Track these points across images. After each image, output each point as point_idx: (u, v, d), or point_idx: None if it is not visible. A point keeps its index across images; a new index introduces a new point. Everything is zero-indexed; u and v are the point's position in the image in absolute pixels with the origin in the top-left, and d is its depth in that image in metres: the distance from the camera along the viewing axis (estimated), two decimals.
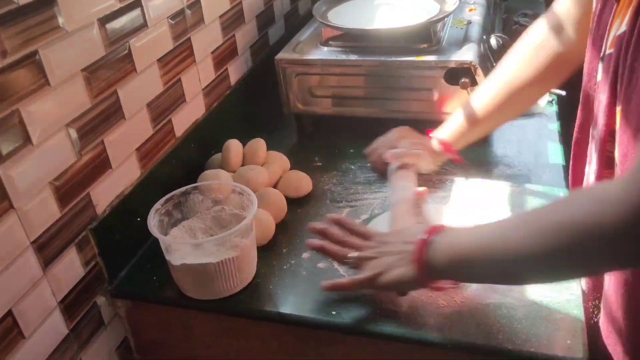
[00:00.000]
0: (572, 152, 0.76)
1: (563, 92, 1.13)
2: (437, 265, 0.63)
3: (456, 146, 0.90)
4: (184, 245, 0.74)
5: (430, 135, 0.92)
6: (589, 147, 0.68)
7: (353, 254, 0.70)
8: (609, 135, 0.61)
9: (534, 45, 0.82)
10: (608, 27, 0.59)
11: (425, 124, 1.04)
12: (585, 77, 0.70)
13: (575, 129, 0.75)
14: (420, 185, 0.89)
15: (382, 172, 0.94)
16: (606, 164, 0.63)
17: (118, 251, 0.80)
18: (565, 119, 0.91)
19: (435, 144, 0.90)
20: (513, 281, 0.65)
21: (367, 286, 0.68)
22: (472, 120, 0.87)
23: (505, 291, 0.71)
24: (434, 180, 0.93)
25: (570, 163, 0.77)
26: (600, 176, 0.64)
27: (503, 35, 1.08)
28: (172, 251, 0.73)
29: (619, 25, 0.56)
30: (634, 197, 0.46)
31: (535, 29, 0.82)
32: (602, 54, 0.61)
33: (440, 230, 0.64)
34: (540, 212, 0.57)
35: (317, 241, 0.73)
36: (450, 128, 0.90)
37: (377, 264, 0.67)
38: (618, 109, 0.58)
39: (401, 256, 0.65)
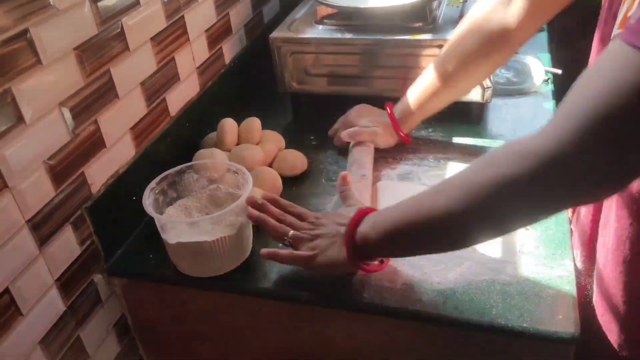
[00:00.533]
0: None
1: (559, 71, 1.13)
2: (368, 245, 0.64)
3: (405, 127, 0.92)
4: (180, 224, 0.74)
5: (388, 110, 0.93)
6: None
7: (290, 232, 0.70)
8: None
9: (476, 21, 0.82)
10: (621, 5, 0.59)
11: None
12: (593, 56, 0.69)
13: None
14: (382, 160, 0.92)
15: (343, 150, 0.96)
16: None
17: (114, 230, 0.80)
18: (561, 97, 0.91)
19: (387, 118, 0.92)
20: (440, 245, 0.63)
21: (302, 265, 0.70)
22: (418, 101, 0.89)
23: (498, 268, 0.72)
24: (407, 157, 0.95)
25: None
26: None
27: None
28: (168, 230, 0.73)
29: (630, 5, 0.55)
30: (550, 145, 0.47)
31: (481, 4, 0.82)
32: (612, 34, 0.61)
33: (369, 212, 0.67)
34: (464, 172, 0.57)
35: (255, 212, 0.73)
36: (400, 108, 0.92)
37: (312, 245, 0.68)
38: None
39: (334, 239, 0.67)
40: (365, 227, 0.65)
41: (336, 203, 0.85)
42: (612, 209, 0.65)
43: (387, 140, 0.94)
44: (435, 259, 0.73)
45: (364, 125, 0.93)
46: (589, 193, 0.50)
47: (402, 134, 0.93)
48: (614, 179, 0.47)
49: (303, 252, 0.69)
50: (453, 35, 0.86)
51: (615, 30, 0.59)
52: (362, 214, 0.67)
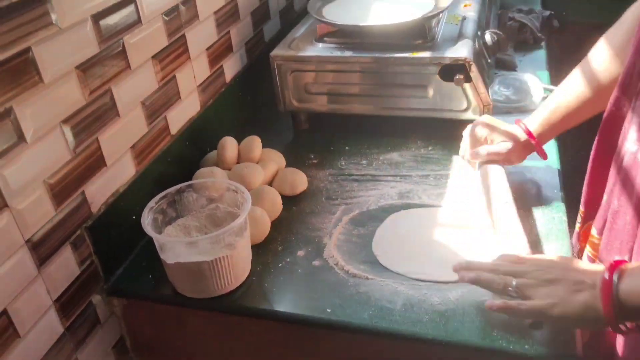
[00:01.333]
0: (588, 174, 0.75)
1: None
2: (629, 306, 0.55)
3: (543, 139, 0.86)
4: (178, 244, 0.74)
5: (522, 125, 0.86)
6: (626, 119, 0.66)
7: (513, 281, 0.62)
8: None
9: (600, 66, 0.78)
10: None
11: (420, 121, 1.05)
12: (612, 101, 0.69)
13: (594, 154, 0.74)
14: None
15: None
16: None
17: (113, 249, 0.80)
18: None
19: (522, 134, 0.86)
20: None
21: (537, 316, 0.62)
22: (564, 112, 0.82)
23: None
24: (406, 175, 0.94)
25: (588, 176, 0.76)
26: None
27: (498, 31, 1.08)
28: (166, 249, 0.72)
29: None
30: None
31: (602, 47, 0.78)
32: None
33: (620, 267, 0.58)
34: None
35: (468, 273, 0.66)
36: (540, 119, 0.85)
37: (548, 292, 0.60)
38: None
39: (579, 287, 0.59)
40: (628, 284, 0.56)
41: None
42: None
43: (520, 155, 0.87)
44: (435, 278, 0.73)
45: (496, 140, 0.87)
46: None
47: (542, 152, 0.87)
48: None
49: (538, 301, 0.60)
50: (601, 42, 0.79)
51: None
52: (617, 265, 0.58)
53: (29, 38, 0.63)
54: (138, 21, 0.81)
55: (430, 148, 1.02)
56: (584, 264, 0.65)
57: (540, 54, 1.29)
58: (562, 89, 0.84)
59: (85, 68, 0.72)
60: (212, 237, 0.72)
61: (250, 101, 1.17)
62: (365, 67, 1.01)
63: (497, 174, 0.85)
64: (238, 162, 0.96)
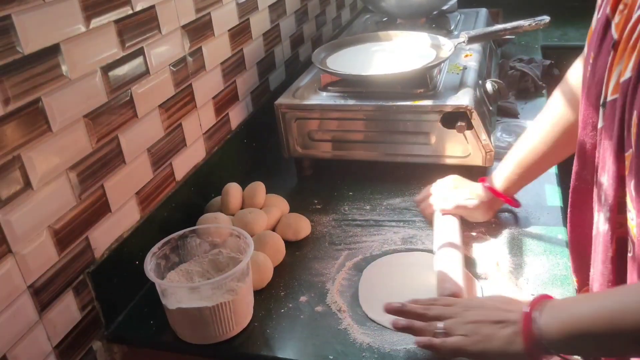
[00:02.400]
0: (570, 200, 0.76)
1: None
2: (548, 339, 0.57)
3: (509, 193, 0.90)
4: (180, 289, 0.74)
5: (484, 184, 0.91)
6: (594, 194, 0.67)
7: (440, 324, 0.64)
8: (620, 181, 0.60)
9: (552, 120, 0.83)
10: (607, 74, 0.60)
11: (423, 167, 1.05)
12: (580, 125, 0.70)
13: (573, 177, 0.74)
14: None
15: (431, 220, 0.93)
16: (619, 210, 0.61)
17: (115, 295, 0.80)
18: (563, 161, 0.92)
19: (487, 195, 0.90)
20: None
21: (459, 352, 0.63)
22: (523, 165, 0.87)
23: None
24: (410, 221, 0.94)
25: (569, 210, 0.77)
26: (614, 222, 0.62)
27: (498, 80, 1.10)
28: (168, 295, 0.72)
29: (622, 71, 0.56)
30: None
31: (553, 103, 0.83)
32: (602, 100, 0.61)
33: (542, 302, 0.60)
34: None
35: (402, 320, 0.68)
36: (502, 175, 0.89)
37: (473, 330, 0.62)
38: (627, 154, 0.57)
39: (502, 325, 0.61)
40: (545, 319, 0.58)
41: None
42: None
43: (485, 214, 0.91)
44: None
45: (459, 196, 0.90)
46: None
47: (510, 199, 0.90)
48: None
49: (461, 339, 0.62)
50: (554, 97, 0.84)
51: (608, 97, 0.60)
52: (539, 300, 0.60)
53: (40, 89, 0.65)
54: (146, 72, 0.84)
55: None
56: (513, 301, 0.65)
57: (542, 102, 1.30)
58: (523, 140, 0.88)
59: (93, 117, 0.74)
60: (213, 282, 0.72)
61: (255, 148, 1.19)
62: (368, 115, 1.03)
63: (450, 220, 0.89)
64: (242, 208, 0.97)
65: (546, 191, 0.99)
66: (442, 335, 0.64)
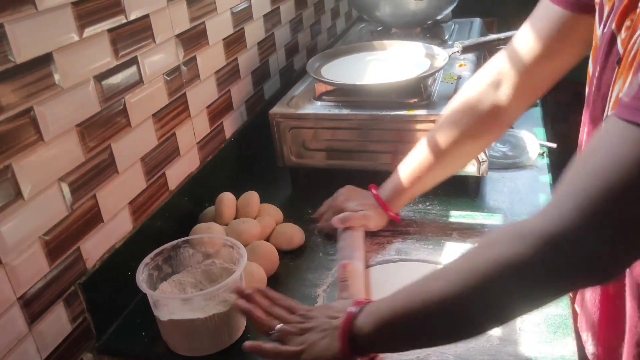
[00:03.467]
0: None
1: (554, 145, 1.15)
2: (363, 338, 0.60)
3: (395, 206, 0.92)
4: (173, 300, 0.73)
5: (373, 192, 0.93)
6: None
7: (278, 326, 0.66)
8: None
9: (468, 102, 0.84)
10: (611, 89, 0.60)
11: None
12: (585, 138, 0.70)
13: None
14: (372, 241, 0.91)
15: (331, 236, 0.94)
16: None
17: (107, 306, 0.79)
18: (557, 171, 0.92)
19: (374, 201, 0.92)
20: (439, 335, 0.58)
21: None
22: (410, 179, 0.89)
23: (498, 347, 0.70)
24: (401, 236, 0.93)
25: None
26: None
27: None
28: (160, 306, 0.72)
29: (621, 87, 0.57)
30: (548, 225, 0.46)
31: (472, 85, 0.84)
32: (605, 115, 0.62)
33: (365, 303, 0.63)
34: (462, 255, 0.55)
35: (244, 303, 0.69)
36: (390, 187, 0.92)
37: (301, 340, 0.64)
38: None
39: (326, 332, 0.63)
40: (361, 319, 0.61)
41: (330, 292, 0.82)
42: (627, 301, 0.63)
43: (378, 222, 0.92)
44: None
45: (352, 208, 0.91)
46: (591, 275, 0.48)
47: (391, 214, 0.92)
48: (616, 259, 0.46)
49: (289, 348, 0.64)
50: (445, 113, 0.87)
51: (609, 112, 0.60)
52: (359, 305, 0.63)
53: (32, 98, 0.65)
54: (140, 81, 0.84)
55: (427, 203, 1.02)
56: (343, 306, 0.65)
57: (536, 112, 1.31)
58: (413, 154, 0.90)
59: (85, 126, 0.73)
60: (206, 293, 0.71)
61: (249, 157, 1.19)
62: (363, 124, 1.03)
63: (355, 236, 0.89)
64: (236, 217, 0.97)
65: (540, 201, 0.99)
66: (274, 335, 0.66)
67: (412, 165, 0.89)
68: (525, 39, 0.75)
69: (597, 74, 0.64)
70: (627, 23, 0.58)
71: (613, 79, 0.59)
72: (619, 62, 0.58)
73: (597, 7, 0.62)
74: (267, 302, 0.70)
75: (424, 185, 0.90)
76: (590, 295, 0.72)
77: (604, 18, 0.60)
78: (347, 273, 0.77)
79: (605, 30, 0.60)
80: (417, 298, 0.56)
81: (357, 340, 0.60)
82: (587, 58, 0.72)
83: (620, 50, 0.58)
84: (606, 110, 0.61)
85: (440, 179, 0.90)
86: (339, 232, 0.91)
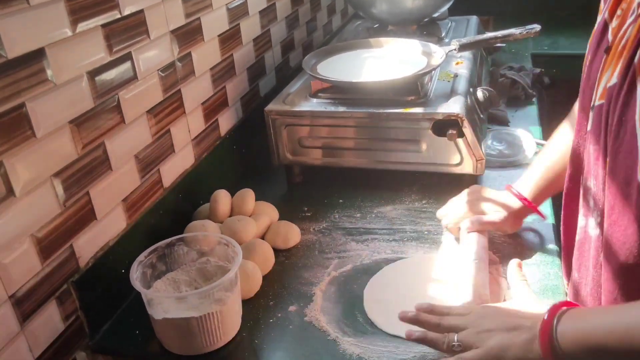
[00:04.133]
0: (563, 203, 0.75)
1: None
2: (565, 350, 0.55)
3: (538, 202, 0.86)
4: (166, 299, 0.72)
5: (512, 190, 0.87)
6: (580, 198, 0.67)
7: (455, 336, 0.62)
8: (604, 186, 0.60)
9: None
10: (598, 78, 0.60)
11: (414, 175, 1.05)
12: (576, 127, 0.70)
13: (566, 179, 0.74)
14: None
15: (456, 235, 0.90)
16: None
17: (100, 304, 0.78)
18: None
19: (515, 202, 0.86)
20: None
21: None
22: (551, 174, 0.84)
23: None
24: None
25: (562, 213, 0.76)
26: (602, 227, 0.61)
27: (489, 88, 1.10)
28: (154, 305, 0.71)
29: (610, 77, 0.57)
30: None
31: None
32: (592, 104, 0.61)
33: (562, 309, 0.58)
34: None
35: (417, 332, 0.65)
36: (531, 184, 0.86)
37: (488, 340, 0.60)
38: (607, 160, 0.58)
39: (517, 333, 0.59)
40: (564, 327, 0.56)
41: (326, 291, 0.81)
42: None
43: (514, 225, 0.88)
44: None
45: (486, 212, 0.87)
46: None
47: (541, 213, 0.87)
48: None
49: (479, 351, 0.59)
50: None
51: (596, 102, 0.60)
52: (557, 310, 0.58)
53: (24, 94, 0.64)
54: (134, 77, 0.83)
55: (424, 202, 1.02)
56: (527, 308, 0.64)
57: (532, 110, 1.31)
58: (550, 147, 0.85)
59: (79, 122, 0.72)
60: (201, 292, 0.70)
61: (245, 154, 1.18)
62: (359, 122, 1.02)
63: (480, 241, 0.85)
64: (231, 215, 0.96)
65: None
66: (458, 349, 0.62)
67: (556, 156, 0.84)
68: None
69: (587, 62, 0.64)
70: (618, 12, 0.58)
71: (600, 68, 0.59)
72: (607, 50, 0.58)
73: None
74: (434, 317, 0.66)
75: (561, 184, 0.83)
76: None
77: (601, 7, 0.60)
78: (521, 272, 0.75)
79: (599, 20, 0.60)
80: (637, 330, 0.51)
81: (558, 352, 0.56)
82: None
83: (610, 39, 0.57)
84: (593, 99, 0.61)
85: None
86: (461, 235, 0.87)
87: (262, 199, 1.00)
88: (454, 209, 0.92)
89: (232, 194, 0.98)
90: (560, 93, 1.54)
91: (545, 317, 0.58)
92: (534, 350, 0.57)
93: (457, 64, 1.19)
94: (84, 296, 0.74)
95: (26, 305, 0.66)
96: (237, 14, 1.13)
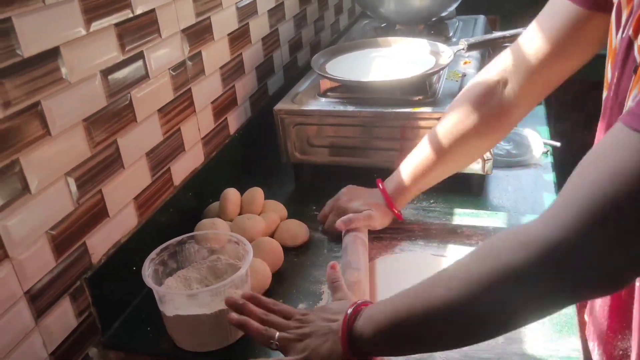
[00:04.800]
0: None
1: (558, 144, 1.15)
2: (364, 341, 0.59)
3: (398, 203, 0.91)
4: (178, 296, 0.73)
5: (380, 186, 0.92)
6: None
7: (276, 335, 0.65)
8: None
9: (473, 100, 0.82)
10: (627, 97, 0.58)
11: None
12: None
13: None
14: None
15: (337, 236, 0.92)
16: None
17: (112, 301, 0.79)
18: (561, 170, 0.92)
19: (381, 197, 0.91)
20: (440, 342, 0.58)
21: None
22: (413, 176, 0.88)
23: (503, 345, 0.70)
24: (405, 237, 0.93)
25: None
26: None
27: None
28: (166, 302, 0.72)
29: (637, 95, 0.55)
30: (551, 233, 0.46)
31: (477, 83, 0.83)
32: None
33: (364, 305, 0.63)
34: (463, 261, 0.54)
35: (236, 316, 0.68)
36: (394, 184, 0.91)
37: (302, 347, 0.63)
38: None
39: (326, 337, 0.62)
40: (361, 322, 0.61)
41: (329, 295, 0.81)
42: (635, 310, 0.62)
43: (382, 221, 0.91)
44: None
45: (356, 209, 0.91)
46: (593, 284, 0.47)
47: (396, 212, 0.91)
48: (621, 268, 0.45)
49: (293, 357, 0.63)
50: (449, 111, 0.86)
51: None
52: (358, 307, 0.63)
53: (39, 93, 0.65)
54: (146, 76, 0.84)
55: (432, 201, 1.02)
56: (340, 308, 0.65)
57: (540, 110, 1.31)
58: (416, 151, 0.89)
59: (92, 121, 0.73)
60: (212, 289, 0.71)
61: (253, 153, 1.19)
62: (367, 121, 1.03)
63: (357, 240, 0.87)
64: (240, 214, 0.97)
65: (544, 200, 0.99)
66: (274, 347, 0.65)
67: (415, 162, 0.88)
68: (534, 37, 0.74)
69: (615, 80, 0.63)
70: None
71: (630, 87, 0.58)
72: (635, 70, 0.57)
73: (614, 8, 0.60)
74: (261, 311, 0.69)
75: (427, 183, 0.89)
76: (600, 306, 0.71)
77: (622, 22, 0.59)
78: (337, 273, 0.77)
79: (623, 36, 0.59)
80: (418, 305, 0.55)
81: (357, 344, 0.60)
82: (596, 57, 0.72)
83: (637, 59, 0.57)
84: None
85: (443, 177, 0.90)
86: (343, 232, 0.91)
87: (270, 198, 1.01)
88: (328, 211, 0.95)
89: (241, 193, 0.99)
90: (568, 93, 1.54)
91: (348, 313, 0.62)
92: (337, 350, 0.61)
93: (465, 63, 1.19)
94: (96, 293, 0.75)
95: (41, 301, 0.67)
96: (246, 13, 1.13)
